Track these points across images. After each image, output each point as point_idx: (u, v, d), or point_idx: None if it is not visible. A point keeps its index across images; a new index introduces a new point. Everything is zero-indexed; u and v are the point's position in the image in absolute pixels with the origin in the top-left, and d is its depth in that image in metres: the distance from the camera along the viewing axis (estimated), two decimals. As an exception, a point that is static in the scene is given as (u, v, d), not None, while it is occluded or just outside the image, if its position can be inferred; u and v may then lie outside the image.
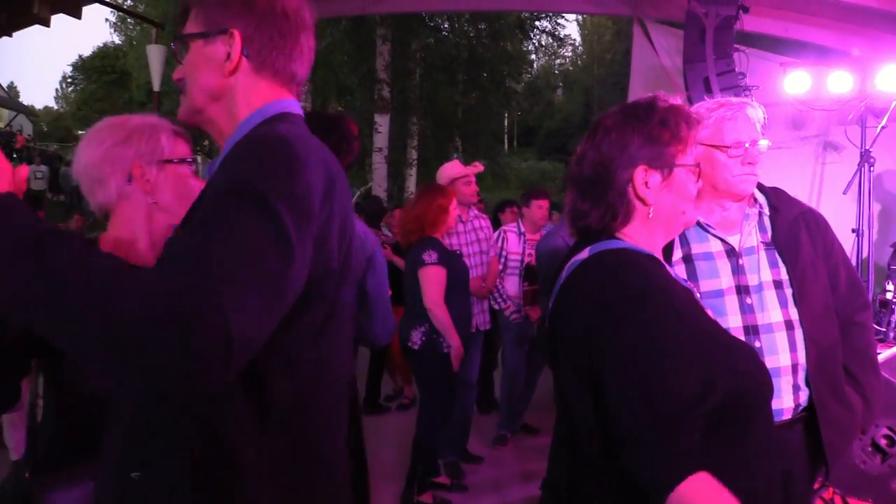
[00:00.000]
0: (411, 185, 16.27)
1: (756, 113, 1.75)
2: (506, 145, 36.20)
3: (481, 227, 4.54)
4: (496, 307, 4.86)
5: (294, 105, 1.24)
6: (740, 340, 1.36)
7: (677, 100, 1.39)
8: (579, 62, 45.60)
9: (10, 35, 15.13)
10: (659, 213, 1.35)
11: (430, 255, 3.68)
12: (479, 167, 4.48)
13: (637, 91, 6.33)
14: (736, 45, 5.04)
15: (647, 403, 1.14)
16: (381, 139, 13.60)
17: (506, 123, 35.56)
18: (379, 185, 13.61)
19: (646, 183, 1.33)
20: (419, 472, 3.93)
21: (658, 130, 1.33)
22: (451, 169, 4.43)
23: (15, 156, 24.46)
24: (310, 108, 14.21)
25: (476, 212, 4.60)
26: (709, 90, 4.82)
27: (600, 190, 1.35)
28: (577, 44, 45.41)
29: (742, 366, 1.23)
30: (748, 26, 5.28)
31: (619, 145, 1.33)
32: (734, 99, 1.79)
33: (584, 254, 1.35)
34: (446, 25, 17.64)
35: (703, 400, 1.14)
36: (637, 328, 1.19)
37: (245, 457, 1.05)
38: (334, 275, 1.10)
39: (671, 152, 1.34)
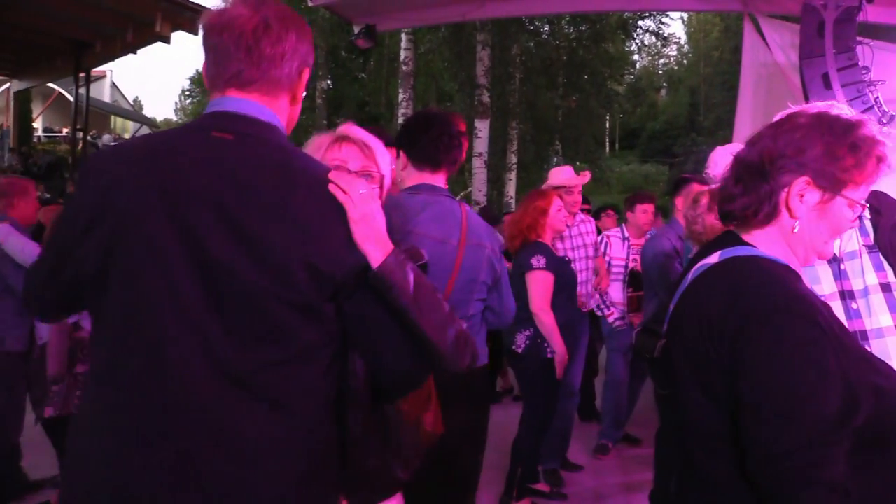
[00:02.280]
0: (511, 189, 16.21)
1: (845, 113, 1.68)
2: (607, 148, 35.54)
3: (587, 232, 4.47)
4: (598, 314, 4.76)
5: (217, 104, 1.30)
6: (877, 357, 1.27)
7: (885, 133, 1.31)
8: (685, 61, 44.29)
9: (135, 53, 16.31)
10: (801, 232, 1.27)
11: (538, 260, 3.67)
12: (586, 177, 4.40)
13: (748, 89, 6.05)
14: (859, 38, 4.72)
15: (789, 426, 1.08)
16: (480, 144, 13.61)
17: (607, 126, 34.88)
18: (479, 189, 13.63)
19: (801, 195, 1.25)
20: (518, 476, 3.90)
21: (843, 151, 1.25)
22: (556, 177, 4.37)
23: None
24: (410, 114, 14.44)
25: (582, 216, 4.52)
26: (828, 87, 4.54)
27: (757, 180, 1.28)
28: (682, 42, 44.11)
29: (884, 382, 1.14)
30: (872, 16, 4.93)
31: (796, 146, 1.26)
32: (820, 103, 1.72)
33: (714, 258, 1.29)
34: (546, 28, 17.49)
35: (847, 421, 1.07)
36: (777, 344, 1.12)
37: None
38: (87, 281, 1.24)
39: (844, 179, 1.25)
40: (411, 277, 1.24)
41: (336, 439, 1.33)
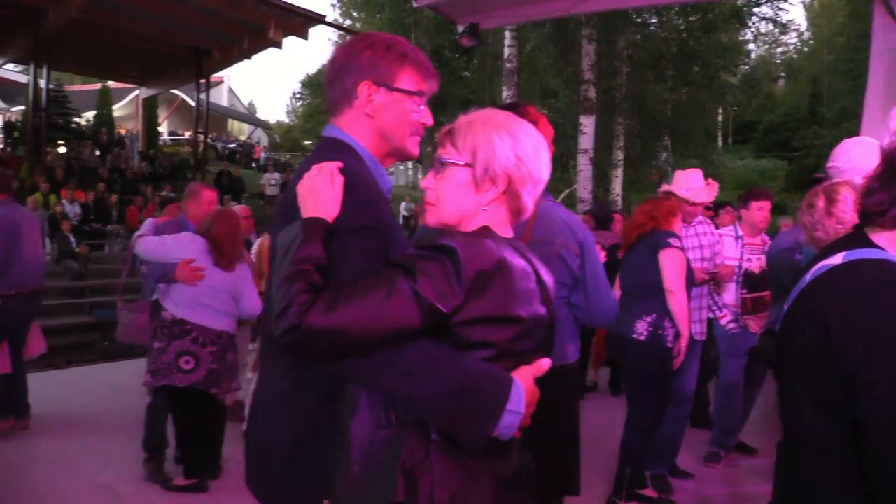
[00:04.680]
0: (617, 186, 15.86)
1: None
2: (719, 142, 34.09)
3: (704, 233, 4.30)
4: (711, 316, 4.56)
5: None
6: None
7: None
8: (805, 49, 41.89)
9: (249, 58, 17.14)
10: None
11: (674, 240, 3.62)
12: (714, 191, 4.23)
13: (878, 77, 5.62)
14: None
15: None
16: (586, 140, 13.39)
17: (719, 119, 33.45)
18: (584, 186, 13.42)
19: None
20: (627, 478, 3.79)
21: None
22: (682, 184, 4.19)
23: (254, 165, 27.52)
24: (514, 112, 14.38)
25: (701, 217, 4.35)
26: (972, 71, 4.15)
27: (894, 178, 1.20)
28: (802, 29, 41.75)
29: None
30: None
31: None
32: None
33: (837, 259, 1.21)
34: (654, 20, 16.97)
35: None
36: None
37: None
38: None
39: None
40: (294, 248, 1.24)
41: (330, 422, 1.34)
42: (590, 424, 5.28)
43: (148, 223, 4.21)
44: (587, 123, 13.41)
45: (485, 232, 1.30)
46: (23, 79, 22.04)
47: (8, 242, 4.64)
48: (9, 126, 20.73)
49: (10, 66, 18.65)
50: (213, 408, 4.01)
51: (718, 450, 4.63)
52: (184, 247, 3.84)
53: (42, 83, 15.10)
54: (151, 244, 3.86)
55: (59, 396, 5.87)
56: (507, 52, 14.37)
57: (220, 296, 3.87)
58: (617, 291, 3.98)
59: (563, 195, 14.45)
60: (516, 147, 1.33)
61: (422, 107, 1.50)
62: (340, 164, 1.34)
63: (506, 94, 14.31)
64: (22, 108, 22.42)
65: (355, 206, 1.30)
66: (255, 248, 5.37)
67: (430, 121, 1.52)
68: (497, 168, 1.32)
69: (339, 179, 1.31)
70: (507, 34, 14.24)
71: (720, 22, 16.44)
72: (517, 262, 1.26)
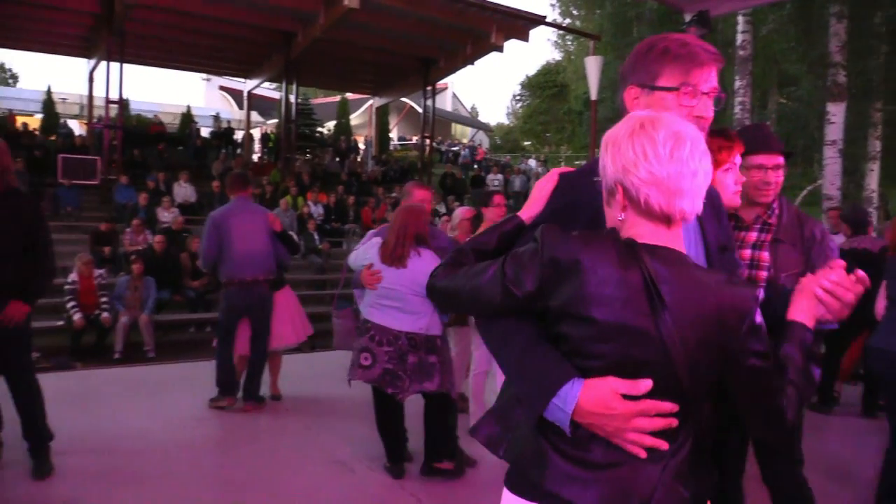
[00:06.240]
0: (872, 181, 14.06)
1: None
2: None
3: None
4: None
5: None
6: None
7: None
8: None
9: (472, 64, 17.70)
10: None
11: None
12: None
13: None
14: None
15: None
16: (834, 131, 12.01)
17: None
18: (831, 182, 12.03)
19: None
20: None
21: None
22: None
23: (476, 165, 28.40)
24: (748, 102, 13.34)
25: None
26: None
27: None
28: None
29: None
30: None
31: None
32: None
33: None
34: (922, -11, 14.77)
35: None
36: None
37: None
38: None
39: None
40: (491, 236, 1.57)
41: None
42: (834, 447, 4.74)
43: (367, 237, 4.48)
44: (835, 111, 12.03)
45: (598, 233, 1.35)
46: (276, 95, 24.82)
47: (216, 236, 5.17)
48: (265, 137, 23.46)
49: (265, 84, 21.03)
50: (434, 401, 4.09)
51: None
52: (366, 253, 4.04)
53: (292, 98, 16.95)
54: (352, 255, 4.19)
55: (305, 378, 6.48)
56: (739, 38, 13.34)
57: (400, 294, 3.91)
58: (881, 301, 3.54)
59: (804, 192, 13.13)
60: (621, 157, 1.30)
61: (694, 100, 1.46)
62: (566, 170, 1.57)
63: (738, 84, 13.30)
64: (275, 120, 25.23)
65: (547, 208, 1.53)
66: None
67: (707, 112, 1.47)
68: (609, 181, 1.34)
69: (550, 186, 1.54)
70: (741, 19, 13.22)
71: None
72: (610, 269, 1.23)
